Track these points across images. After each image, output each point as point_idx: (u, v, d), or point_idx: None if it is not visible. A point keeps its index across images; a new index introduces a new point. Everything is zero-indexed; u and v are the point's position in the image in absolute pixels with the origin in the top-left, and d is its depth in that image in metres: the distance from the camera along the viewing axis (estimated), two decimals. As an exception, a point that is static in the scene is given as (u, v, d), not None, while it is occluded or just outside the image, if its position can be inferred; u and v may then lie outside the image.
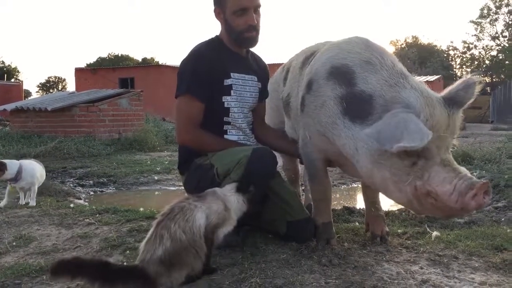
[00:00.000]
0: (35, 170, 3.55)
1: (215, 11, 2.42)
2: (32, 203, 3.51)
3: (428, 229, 2.61)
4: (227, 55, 2.43)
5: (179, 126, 2.40)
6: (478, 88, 1.86)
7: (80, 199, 4.58)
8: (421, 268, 2.05)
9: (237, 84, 2.43)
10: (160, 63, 30.03)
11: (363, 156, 1.95)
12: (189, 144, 2.41)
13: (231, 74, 2.41)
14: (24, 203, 3.58)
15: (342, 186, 5.13)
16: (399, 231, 2.62)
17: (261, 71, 2.61)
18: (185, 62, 2.41)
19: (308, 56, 2.50)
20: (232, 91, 2.42)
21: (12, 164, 3.41)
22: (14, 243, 2.49)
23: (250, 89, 2.51)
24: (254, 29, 2.37)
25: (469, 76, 1.90)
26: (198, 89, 2.34)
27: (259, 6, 2.38)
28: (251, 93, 2.52)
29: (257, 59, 2.64)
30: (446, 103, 1.83)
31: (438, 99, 1.84)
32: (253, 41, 2.42)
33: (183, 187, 5.21)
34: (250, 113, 2.56)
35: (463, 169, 1.80)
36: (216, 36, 2.50)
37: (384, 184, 1.91)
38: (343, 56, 2.15)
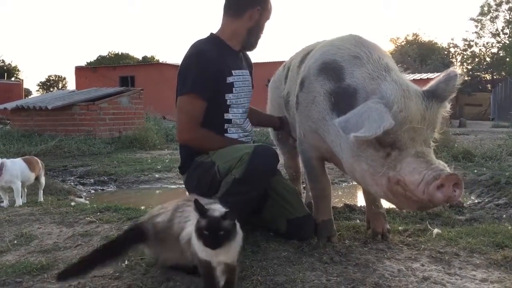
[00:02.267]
0: (16, 169, 3.48)
1: (254, 8, 2.41)
2: (18, 202, 3.46)
3: (429, 226, 2.61)
4: (227, 53, 2.43)
5: (181, 125, 2.38)
6: (460, 81, 1.85)
7: (81, 197, 4.58)
8: (422, 265, 2.05)
9: (238, 81, 2.44)
10: (160, 61, 30.02)
11: (345, 150, 1.97)
12: (191, 143, 2.40)
13: (233, 71, 2.42)
14: (6, 205, 3.46)
15: (343, 184, 5.12)
16: (400, 228, 2.62)
17: (248, 64, 2.65)
18: (187, 60, 2.39)
19: (305, 55, 2.52)
20: (234, 89, 2.42)
21: None
22: (15, 242, 2.48)
23: (246, 84, 2.52)
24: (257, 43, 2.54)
25: (451, 69, 1.89)
26: (202, 87, 2.33)
27: None
28: (248, 87, 2.54)
29: (244, 53, 2.64)
30: (426, 96, 1.82)
31: (417, 92, 1.83)
32: (254, 47, 2.57)
33: (184, 186, 5.22)
34: (247, 108, 2.57)
35: (438, 162, 1.77)
36: (212, 34, 2.49)
37: (363, 177, 1.92)
38: (333, 52, 2.17)
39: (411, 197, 1.74)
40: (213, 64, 2.33)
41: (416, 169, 1.72)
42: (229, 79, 2.40)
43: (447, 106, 1.91)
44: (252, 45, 2.52)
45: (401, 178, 1.74)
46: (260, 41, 2.55)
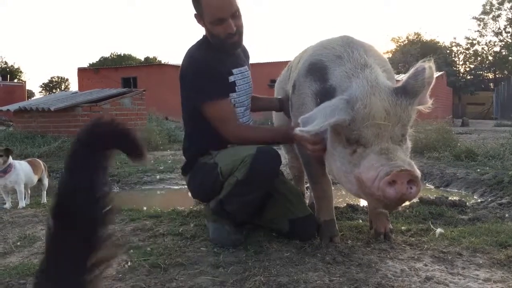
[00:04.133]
0: (22, 171, 3.50)
1: (195, 16, 2.38)
2: (21, 204, 3.47)
3: (432, 226, 2.61)
4: (222, 54, 2.40)
5: (222, 128, 2.35)
6: (429, 74, 1.78)
7: (84, 198, 4.58)
8: (425, 265, 2.05)
9: (238, 79, 2.44)
10: (162, 62, 30.06)
11: (326, 150, 1.97)
12: (236, 142, 2.36)
13: (232, 70, 2.41)
14: (9, 207, 3.47)
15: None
16: (402, 228, 2.62)
17: (246, 58, 2.61)
18: (189, 71, 2.37)
19: (300, 57, 2.53)
20: (236, 87, 2.42)
21: None
22: (18, 243, 2.49)
23: (247, 80, 2.51)
24: (234, 35, 2.33)
25: (419, 63, 1.83)
26: (218, 90, 2.32)
27: (236, 10, 2.31)
28: (249, 83, 2.53)
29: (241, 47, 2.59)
30: (395, 92, 1.79)
31: (385, 89, 1.80)
32: (236, 45, 2.41)
33: (186, 186, 5.21)
34: (249, 105, 2.57)
35: (402, 159, 1.71)
36: (205, 37, 2.45)
37: (338, 176, 1.92)
38: (320, 53, 2.18)
39: (371, 195, 1.71)
40: (213, 68, 2.33)
41: (373, 165, 1.69)
42: (231, 79, 2.40)
43: (428, 102, 1.87)
44: (225, 47, 2.38)
45: (359, 175, 1.72)
46: (246, 35, 2.43)
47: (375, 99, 1.77)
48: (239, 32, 2.34)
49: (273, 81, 3.25)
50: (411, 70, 1.82)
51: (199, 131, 2.44)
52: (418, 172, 1.69)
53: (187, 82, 2.40)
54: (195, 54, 2.40)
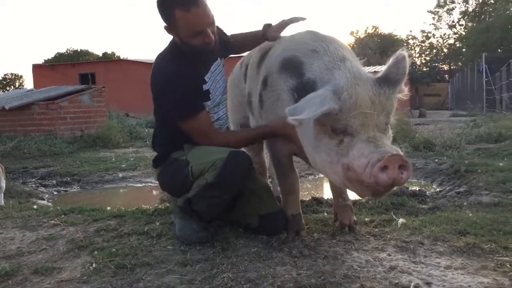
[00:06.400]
0: None
1: (166, 28, 2.28)
2: None
3: (394, 217, 2.67)
4: (194, 60, 2.33)
5: (202, 142, 2.32)
6: (408, 62, 1.87)
7: (44, 199, 4.46)
8: (389, 255, 2.10)
9: (211, 83, 2.39)
10: (121, 57, 29.48)
11: (307, 142, 1.99)
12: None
13: (205, 77, 2.36)
14: None
15: (310, 177, 5.18)
16: (366, 219, 2.67)
17: (217, 45, 2.41)
18: (165, 87, 2.29)
19: (264, 53, 2.53)
20: (210, 95, 2.38)
21: None
22: (-24, 249, 2.40)
23: (219, 77, 2.47)
24: (211, 43, 2.26)
25: (399, 51, 1.90)
26: (193, 105, 2.29)
27: (212, 18, 2.25)
28: (222, 79, 2.49)
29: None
30: (378, 82, 1.84)
31: (368, 79, 1.85)
32: (213, 49, 2.34)
33: (150, 184, 5.16)
34: (223, 97, 2.54)
35: (389, 146, 1.77)
36: (174, 42, 2.36)
37: (323, 167, 1.94)
38: (293, 48, 2.20)
39: (362, 182, 1.74)
40: (186, 83, 2.26)
41: (363, 153, 1.72)
42: (205, 87, 2.35)
43: (405, 90, 1.93)
44: (204, 53, 2.31)
45: (350, 164, 1.75)
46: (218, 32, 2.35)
47: (360, 89, 1.80)
48: (215, 39, 2.28)
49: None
50: (391, 60, 1.88)
51: (171, 135, 2.41)
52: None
53: (160, 97, 2.34)
54: (168, 67, 2.32)
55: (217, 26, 2.39)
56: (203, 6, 2.19)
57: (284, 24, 2.53)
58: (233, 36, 2.70)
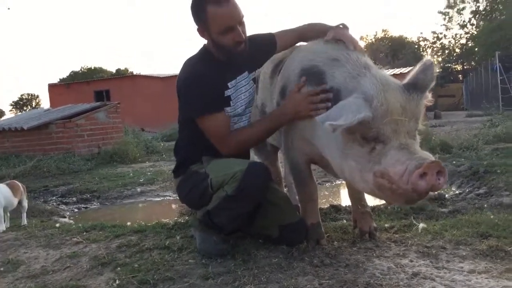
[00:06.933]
0: (0, 194, 3.40)
1: (198, 30, 2.33)
2: (1, 227, 3.37)
3: (414, 222, 2.65)
4: (221, 66, 2.35)
5: (217, 143, 2.35)
6: (436, 69, 1.90)
7: (65, 217, 4.51)
8: (411, 261, 2.09)
9: (233, 92, 2.39)
10: (134, 73, 29.80)
11: (333, 151, 2.00)
12: (236, 152, 2.36)
13: (228, 84, 2.37)
14: None
15: (327, 184, 5.16)
16: (386, 225, 2.66)
17: (251, 57, 2.41)
18: (186, 83, 2.34)
19: (277, 64, 2.55)
20: (231, 102, 2.38)
21: None
22: (1, 268, 2.44)
23: (243, 90, 2.43)
24: (242, 42, 2.28)
25: (426, 58, 1.94)
26: (212, 103, 2.29)
27: (243, 17, 2.29)
28: (248, 91, 2.45)
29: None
30: (406, 88, 1.86)
31: (397, 86, 1.88)
32: (243, 53, 2.33)
33: (168, 197, 5.17)
34: (248, 110, 2.51)
35: (422, 152, 1.80)
36: (205, 47, 2.40)
37: (352, 175, 1.94)
38: (311, 58, 2.21)
39: (396, 190, 1.75)
40: (208, 81, 2.28)
41: (399, 160, 1.74)
42: (226, 93, 2.36)
43: (428, 95, 1.95)
44: (235, 55, 2.31)
45: (385, 171, 1.76)
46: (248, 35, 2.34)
47: (390, 96, 1.82)
48: (245, 40, 2.30)
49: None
50: (419, 66, 1.91)
51: (191, 139, 2.44)
52: None
53: (181, 94, 2.38)
54: (192, 66, 2.37)
55: (254, 35, 2.46)
56: (234, 3, 2.26)
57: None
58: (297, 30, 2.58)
